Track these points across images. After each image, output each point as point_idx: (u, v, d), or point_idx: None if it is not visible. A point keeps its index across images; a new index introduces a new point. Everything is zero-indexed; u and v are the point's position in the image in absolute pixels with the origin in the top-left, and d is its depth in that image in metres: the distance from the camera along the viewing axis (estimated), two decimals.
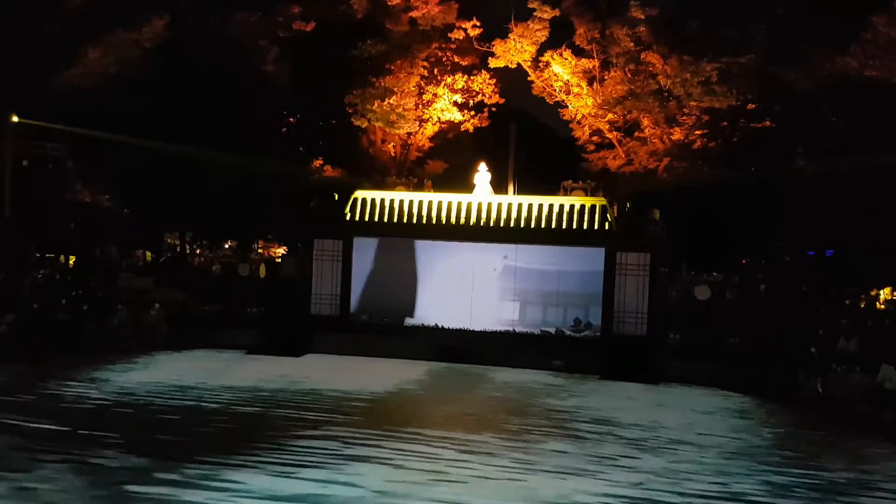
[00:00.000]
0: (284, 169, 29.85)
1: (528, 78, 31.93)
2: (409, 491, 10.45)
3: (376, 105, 30.83)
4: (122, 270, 27.77)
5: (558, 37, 31.19)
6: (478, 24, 31.78)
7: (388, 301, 24.67)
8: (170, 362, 20.68)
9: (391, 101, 30.87)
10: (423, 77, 31.92)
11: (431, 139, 33.14)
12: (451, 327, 24.11)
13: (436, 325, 24.25)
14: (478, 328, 23.95)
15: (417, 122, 32.11)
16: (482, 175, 25.11)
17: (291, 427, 13.89)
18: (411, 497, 10.24)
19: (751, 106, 28.77)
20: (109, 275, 26.23)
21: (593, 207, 23.62)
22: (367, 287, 24.84)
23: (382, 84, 30.89)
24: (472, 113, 32.52)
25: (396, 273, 24.72)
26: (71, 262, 27.84)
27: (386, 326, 24.43)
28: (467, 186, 25.23)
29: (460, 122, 32.51)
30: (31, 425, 13.10)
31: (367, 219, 24.90)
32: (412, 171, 31.16)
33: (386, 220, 24.78)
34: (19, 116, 27.32)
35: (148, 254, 35.16)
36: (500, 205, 24.32)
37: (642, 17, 28.97)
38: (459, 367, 21.84)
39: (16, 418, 13.50)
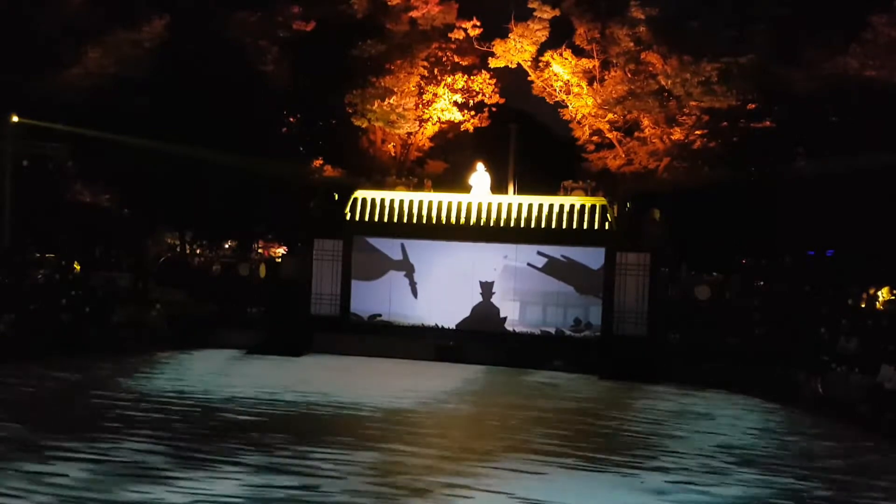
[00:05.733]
0: (284, 169, 29.84)
1: (528, 78, 31.93)
2: None
3: (376, 105, 30.81)
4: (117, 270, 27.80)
5: (558, 37, 31.19)
6: (478, 24, 31.77)
7: (387, 301, 24.67)
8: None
9: (391, 101, 30.86)
10: (423, 77, 31.90)
11: (431, 139, 33.12)
12: (450, 327, 24.12)
13: (436, 324, 24.25)
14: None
15: (417, 122, 32.10)
16: (480, 175, 25.08)
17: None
18: None
19: (751, 106, 28.72)
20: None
21: (593, 207, 23.61)
22: (366, 287, 24.82)
23: (382, 84, 30.87)
24: (472, 113, 32.50)
25: (396, 273, 24.72)
26: (76, 266, 27.79)
27: (386, 326, 24.43)
28: (467, 186, 25.22)
29: (460, 122, 32.50)
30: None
31: (367, 219, 24.90)
32: (412, 171, 31.12)
33: (386, 220, 24.79)
34: (19, 116, 27.30)
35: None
36: (499, 205, 24.32)
37: (642, 17, 28.93)
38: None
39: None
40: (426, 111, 32.06)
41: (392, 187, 25.87)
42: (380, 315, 24.69)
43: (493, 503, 10.33)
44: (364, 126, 31.86)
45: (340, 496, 10.12)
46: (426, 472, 11.35)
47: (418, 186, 25.99)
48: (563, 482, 11.30)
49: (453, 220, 24.42)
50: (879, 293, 24.19)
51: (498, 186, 25.55)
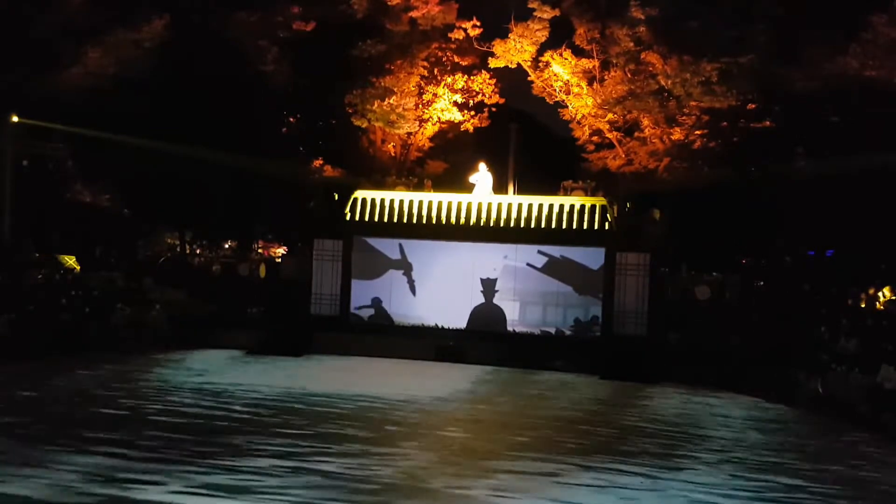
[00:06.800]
0: (284, 169, 29.84)
1: (528, 78, 31.89)
2: None
3: (376, 105, 30.80)
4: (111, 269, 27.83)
5: (558, 37, 31.15)
6: (478, 24, 31.73)
7: (387, 301, 24.68)
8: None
9: (391, 101, 30.84)
10: (423, 77, 31.88)
11: (431, 139, 33.10)
12: (450, 327, 24.12)
13: (435, 324, 24.26)
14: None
15: (417, 122, 32.08)
16: (481, 175, 25.06)
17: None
18: None
19: (751, 106, 28.70)
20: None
21: (593, 207, 23.63)
22: (366, 287, 24.83)
23: (382, 84, 30.86)
24: (473, 113, 32.47)
25: (396, 273, 24.72)
26: (72, 262, 27.79)
27: (386, 326, 24.44)
28: (467, 186, 25.22)
29: (460, 122, 32.47)
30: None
31: (367, 219, 24.92)
32: (412, 171, 31.13)
33: (386, 220, 24.80)
34: (19, 116, 27.31)
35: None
36: (500, 205, 24.33)
37: (642, 17, 28.90)
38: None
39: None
40: (426, 111, 32.04)
41: (392, 187, 25.89)
42: (379, 315, 24.71)
43: None
44: (364, 126, 31.85)
45: (343, 497, 10.11)
46: (431, 474, 11.34)
47: (418, 186, 26.01)
48: (566, 483, 11.28)
49: (453, 220, 24.43)
50: (880, 293, 24.20)
51: (498, 186, 25.56)
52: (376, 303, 24.62)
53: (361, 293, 24.83)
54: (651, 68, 29.31)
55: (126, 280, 26.46)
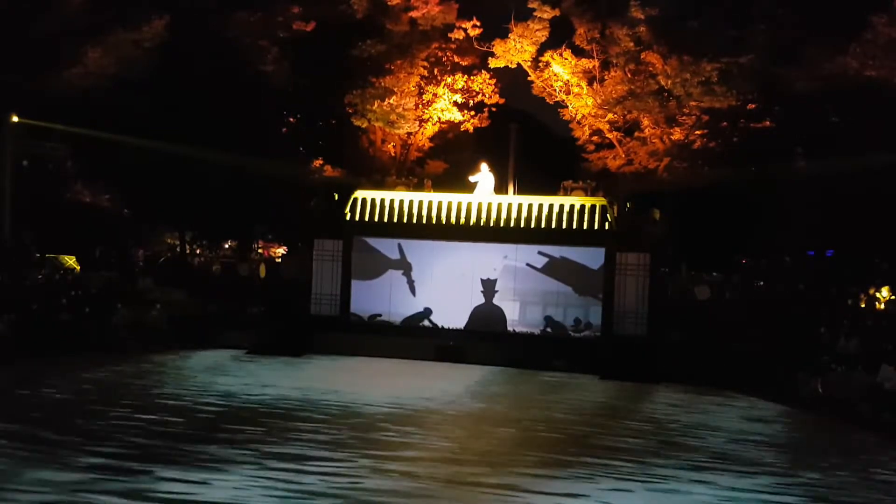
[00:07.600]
0: (284, 169, 29.85)
1: (528, 78, 31.91)
2: None
3: (376, 105, 30.82)
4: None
5: (558, 37, 31.17)
6: (478, 24, 31.74)
7: (387, 301, 24.69)
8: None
9: (391, 101, 30.86)
10: (423, 77, 31.90)
11: (431, 139, 33.12)
12: (450, 327, 24.12)
13: (436, 324, 24.26)
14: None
15: (417, 122, 32.10)
16: (484, 174, 25.04)
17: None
18: None
19: (751, 106, 28.74)
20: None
21: (593, 207, 23.62)
22: (366, 287, 24.83)
23: (382, 84, 30.88)
24: (473, 113, 32.49)
25: (396, 273, 24.73)
26: (72, 262, 27.80)
27: (386, 326, 24.44)
28: (467, 186, 25.21)
29: (460, 122, 32.49)
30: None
31: (367, 219, 24.92)
32: (412, 171, 31.15)
33: (386, 220, 24.80)
34: (19, 116, 27.30)
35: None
36: (500, 205, 24.33)
37: (642, 17, 28.92)
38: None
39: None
40: (426, 111, 32.05)
41: (392, 187, 25.90)
42: (380, 315, 24.71)
43: None
44: (364, 126, 31.86)
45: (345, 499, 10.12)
46: (436, 477, 11.34)
47: (418, 186, 26.01)
48: (571, 485, 11.29)
49: (453, 220, 24.43)
50: (880, 293, 24.20)
51: (498, 186, 25.55)
52: (427, 312, 24.52)
53: (361, 293, 24.83)
54: (651, 68, 29.33)
55: (121, 281, 26.47)
